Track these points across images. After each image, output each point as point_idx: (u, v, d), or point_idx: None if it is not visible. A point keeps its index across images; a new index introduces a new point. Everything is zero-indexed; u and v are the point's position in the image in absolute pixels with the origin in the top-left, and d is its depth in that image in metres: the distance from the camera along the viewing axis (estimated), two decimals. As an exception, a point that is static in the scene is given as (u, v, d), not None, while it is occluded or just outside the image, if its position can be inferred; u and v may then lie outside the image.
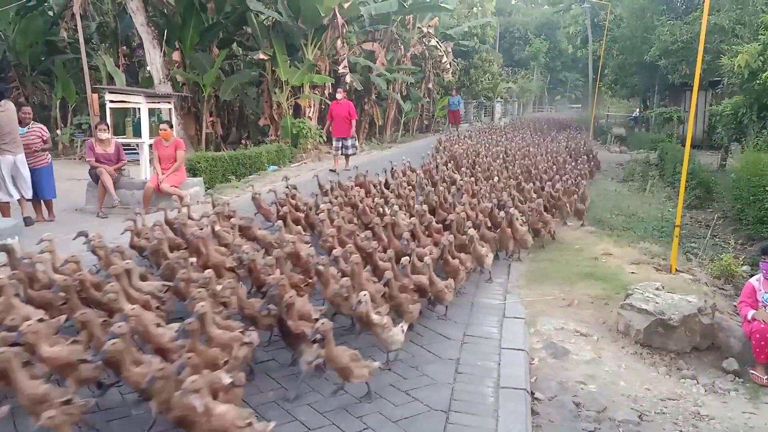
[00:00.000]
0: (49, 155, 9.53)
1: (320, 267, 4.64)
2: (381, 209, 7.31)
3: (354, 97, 22.02)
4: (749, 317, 5.15)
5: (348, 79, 18.60)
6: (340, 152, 14.68)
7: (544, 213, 8.23)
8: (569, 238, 8.70)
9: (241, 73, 18.23)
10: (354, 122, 14.72)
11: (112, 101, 11.18)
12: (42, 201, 9.31)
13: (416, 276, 5.16)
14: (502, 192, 9.00)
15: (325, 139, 17.87)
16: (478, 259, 6.29)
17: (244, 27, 18.47)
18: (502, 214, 7.24)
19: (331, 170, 14.18)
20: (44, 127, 9.56)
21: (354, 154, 15.13)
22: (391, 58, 23.12)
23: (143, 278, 4.82)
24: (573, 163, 12.81)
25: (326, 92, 18.37)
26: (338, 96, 14.91)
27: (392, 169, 10.33)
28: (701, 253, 8.80)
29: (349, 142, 14.70)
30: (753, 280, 5.44)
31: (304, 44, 17.68)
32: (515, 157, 13.31)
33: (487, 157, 12.74)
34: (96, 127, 9.98)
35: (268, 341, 4.64)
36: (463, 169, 11.17)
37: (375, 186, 9.23)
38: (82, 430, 3.37)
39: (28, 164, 8.98)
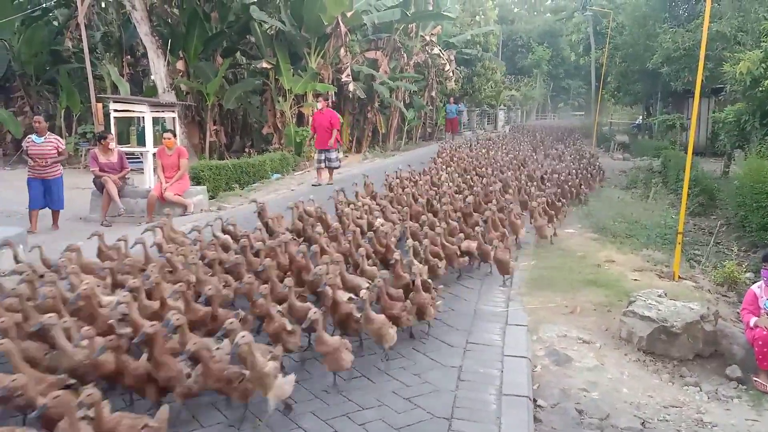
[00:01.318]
0: (61, 167, 9.57)
1: None
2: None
3: (357, 105, 22.14)
4: (751, 324, 5.14)
5: (351, 87, 18.70)
6: (323, 165, 13.81)
7: (390, 302, 4.78)
8: (572, 245, 8.70)
9: (245, 82, 18.35)
10: (335, 132, 13.66)
11: (116, 110, 11.25)
12: (51, 211, 9.35)
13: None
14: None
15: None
16: (257, 379, 3.51)
17: (247, 36, 18.63)
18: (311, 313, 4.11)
19: (313, 185, 13.45)
20: (60, 139, 9.65)
21: (338, 167, 14.26)
22: (394, 67, 23.21)
23: None
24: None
25: (329, 101, 18.42)
26: (319, 105, 14.09)
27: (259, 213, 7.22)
28: (704, 260, 8.78)
29: (333, 155, 13.81)
30: (755, 287, 5.43)
31: (307, 53, 17.79)
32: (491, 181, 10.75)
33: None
34: (103, 140, 9.96)
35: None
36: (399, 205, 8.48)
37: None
38: None
39: (42, 175, 9.09)
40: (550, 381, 4.70)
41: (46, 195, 9.19)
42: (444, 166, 13.08)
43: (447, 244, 6.51)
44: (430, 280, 5.45)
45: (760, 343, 4.98)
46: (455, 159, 14.42)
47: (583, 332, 5.61)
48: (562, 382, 4.68)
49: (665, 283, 6.92)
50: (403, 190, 9.14)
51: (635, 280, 7.08)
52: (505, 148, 18.22)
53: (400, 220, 7.57)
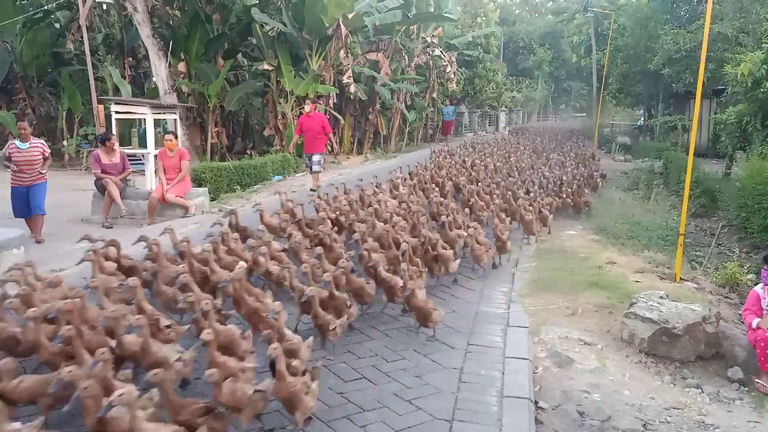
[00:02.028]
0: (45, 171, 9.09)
1: None
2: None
3: (358, 106, 22.15)
4: (754, 325, 5.14)
5: (352, 89, 18.70)
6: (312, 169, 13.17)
7: (177, 401, 3.18)
8: (573, 247, 8.70)
9: (246, 84, 18.35)
10: (330, 136, 12.91)
11: (117, 112, 11.26)
12: (35, 217, 8.84)
13: None
14: None
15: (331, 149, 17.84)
16: None
17: (249, 38, 18.64)
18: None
19: (312, 190, 12.34)
20: (45, 143, 9.16)
21: (320, 171, 13.24)
22: (396, 68, 23.20)
23: None
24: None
25: (331, 102, 18.42)
26: (307, 108, 13.33)
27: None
28: (706, 261, 8.77)
29: (315, 158, 12.88)
30: (757, 288, 5.43)
31: (308, 54, 17.80)
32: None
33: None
34: (108, 141, 9.92)
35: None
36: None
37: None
38: None
39: (28, 181, 8.61)
40: (552, 383, 4.69)
41: (31, 202, 8.66)
42: (404, 179, 11.03)
43: (337, 293, 4.79)
44: (296, 362, 3.67)
45: (762, 344, 4.97)
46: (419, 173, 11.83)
47: (584, 334, 5.61)
48: (563, 384, 4.67)
49: (667, 285, 6.91)
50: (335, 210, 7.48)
51: (637, 281, 7.07)
52: (500, 153, 16.76)
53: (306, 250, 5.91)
